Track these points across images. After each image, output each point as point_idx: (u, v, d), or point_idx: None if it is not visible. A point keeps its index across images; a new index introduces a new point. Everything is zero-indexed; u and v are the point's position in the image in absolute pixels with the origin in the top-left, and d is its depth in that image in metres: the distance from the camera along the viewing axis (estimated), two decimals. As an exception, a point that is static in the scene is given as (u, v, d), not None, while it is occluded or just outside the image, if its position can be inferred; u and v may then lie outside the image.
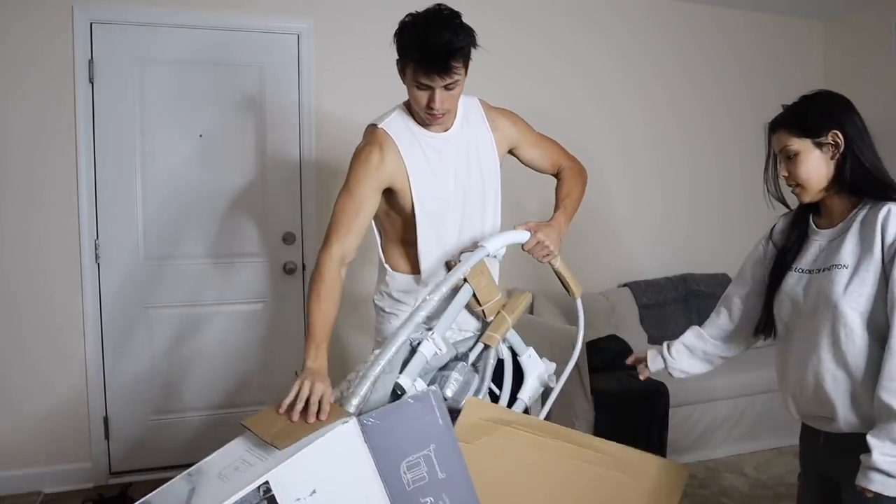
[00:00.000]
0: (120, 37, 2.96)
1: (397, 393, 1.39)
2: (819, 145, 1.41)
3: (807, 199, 1.46)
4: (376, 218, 1.78)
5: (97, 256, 2.99)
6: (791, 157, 1.44)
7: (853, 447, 1.35)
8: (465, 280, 1.54)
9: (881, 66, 3.88)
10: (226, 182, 3.15)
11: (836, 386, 1.38)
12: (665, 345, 1.75)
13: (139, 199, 3.03)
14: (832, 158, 1.41)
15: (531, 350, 1.68)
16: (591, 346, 3.18)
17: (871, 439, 1.28)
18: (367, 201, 1.65)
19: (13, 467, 2.88)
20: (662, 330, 3.60)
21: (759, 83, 4.10)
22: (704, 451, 3.23)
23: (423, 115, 1.69)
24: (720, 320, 1.70)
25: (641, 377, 1.77)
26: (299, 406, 1.34)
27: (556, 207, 1.82)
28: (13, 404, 2.88)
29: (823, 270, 1.42)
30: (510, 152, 1.92)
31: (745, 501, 2.80)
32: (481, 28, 3.90)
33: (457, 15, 1.64)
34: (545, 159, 1.93)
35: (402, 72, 1.68)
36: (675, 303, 3.67)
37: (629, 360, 1.82)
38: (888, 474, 1.25)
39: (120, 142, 2.99)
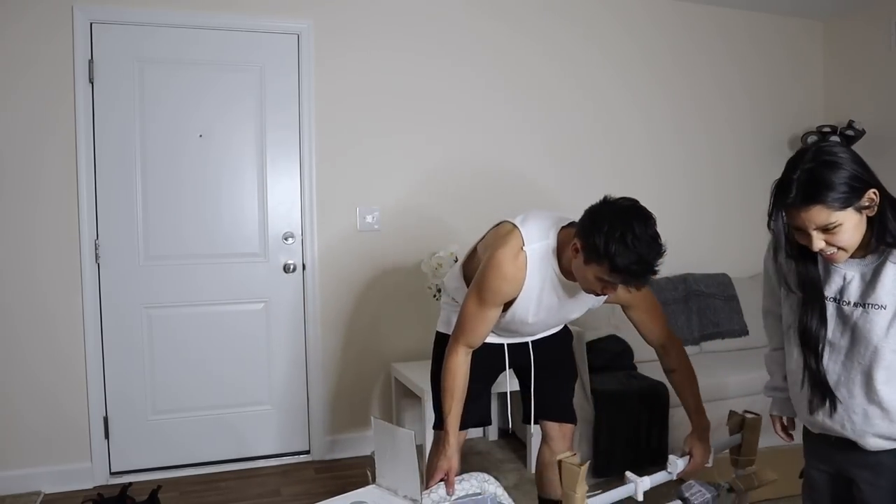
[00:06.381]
0: (120, 37, 2.96)
1: None
2: (859, 209, 1.33)
3: (844, 259, 1.38)
4: (470, 269, 2.02)
5: (97, 256, 2.99)
6: (830, 229, 1.33)
7: (876, 458, 1.40)
8: None
9: (881, 66, 3.88)
10: (226, 182, 3.16)
11: (867, 420, 1.39)
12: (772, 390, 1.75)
13: (139, 199, 3.03)
14: (869, 216, 1.36)
15: None
16: (591, 347, 3.18)
17: None
18: (493, 315, 1.87)
19: (13, 467, 2.88)
20: (662, 330, 3.60)
21: (759, 84, 4.10)
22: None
23: (586, 288, 1.76)
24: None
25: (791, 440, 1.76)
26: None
27: (693, 410, 1.93)
28: (13, 404, 2.88)
29: (857, 306, 1.39)
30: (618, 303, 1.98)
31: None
32: (476, 29, 3.92)
33: (655, 225, 1.69)
34: (650, 327, 1.99)
35: (587, 261, 1.68)
36: (675, 303, 3.66)
37: (782, 432, 1.76)
38: None
39: (120, 142, 2.99)
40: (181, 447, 3.14)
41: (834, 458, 1.52)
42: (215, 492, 2.97)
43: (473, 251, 2.09)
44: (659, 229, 1.67)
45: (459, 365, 1.88)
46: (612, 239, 1.60)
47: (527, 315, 1.92)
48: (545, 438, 2.22)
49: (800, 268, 1.45)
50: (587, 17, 3.71)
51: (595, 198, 1.75)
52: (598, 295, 1.78)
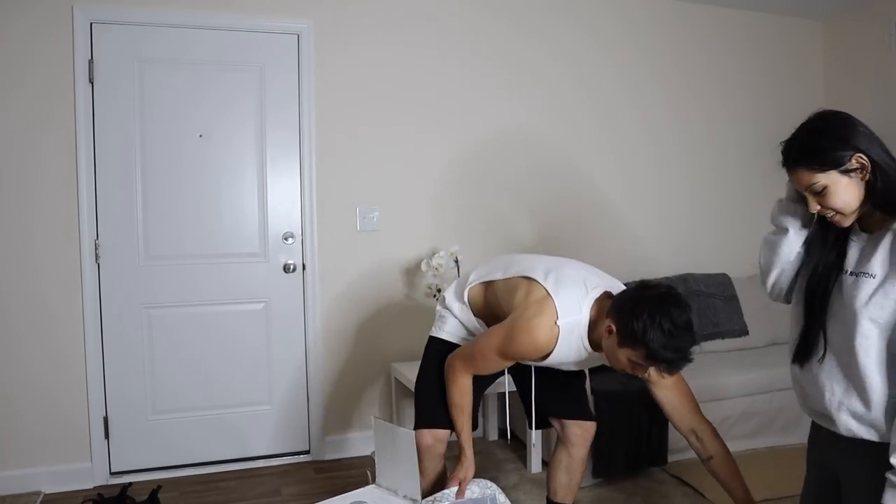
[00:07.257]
0: (120, 37, 2.96)
1: None
2: (846, 172, 1.35)
3: (847, 223, 1.41)
4: (483, 303, 2.09)
5: (97, 256, 2.99)
6: (820, 192, 1.37)
7: (856, 450, 1.38)
8: None
9: (881, 66, 3.88)
10: (226, 182, 3.16)
11: (847, 393, 1.39)
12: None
13: (139, 199, 3.03)
14: (863, 180, 1.36)
15: None
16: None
17: None
18: (510, 364, 1.97)
19: (13, 467, 2.88)
20: (662, 330, 3.60)
21: (759, 83, 4.10)
22: (704, 451, 3.23)
23: (615, 366, 1.79)
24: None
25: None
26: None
27: (742, 500, 1.84)
28: (13, 404, 2.88)
29: (853, 274, 1.41)
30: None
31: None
32: (478, 28, 3.93)
33: (690, 311, 1.70)
34: (678, 408, 1.95)
35: (622, 344, 1.70)
36: (674, 303, 3.66)
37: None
38: None
39: (120, 142, 2.99)
40: (181, 447, 3.14)
41: (826, 456, 1.52)
42: (215, 492, 2.97)
43: (489, 284, 2.06)
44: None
45: (468, 384, 1.98)
46: (650, 326, 1.62)
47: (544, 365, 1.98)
48: (563, 441, 2.19)
49: (816, 232, 1.50)
50: (588, 16, 3.71)
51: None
52: (626, 373, 1.79)
